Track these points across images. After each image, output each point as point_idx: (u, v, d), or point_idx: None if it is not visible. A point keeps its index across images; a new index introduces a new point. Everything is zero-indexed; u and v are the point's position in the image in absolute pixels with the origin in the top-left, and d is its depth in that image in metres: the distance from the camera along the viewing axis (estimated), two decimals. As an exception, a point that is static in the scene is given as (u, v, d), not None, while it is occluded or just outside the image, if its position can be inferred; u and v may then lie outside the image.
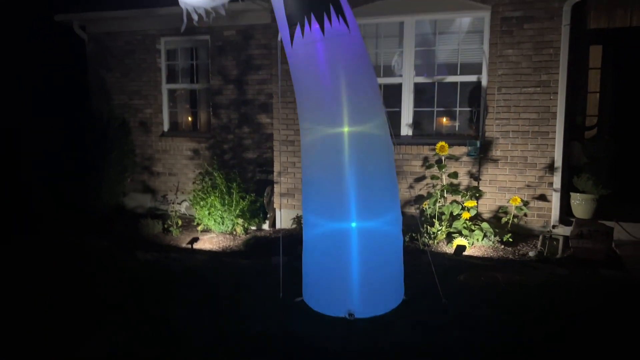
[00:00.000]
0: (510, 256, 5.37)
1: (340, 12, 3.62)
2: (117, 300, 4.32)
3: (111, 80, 8.48)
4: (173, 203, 7.75)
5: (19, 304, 4.28)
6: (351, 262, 3.87)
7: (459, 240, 5.59)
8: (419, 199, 6.37)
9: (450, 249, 5.61)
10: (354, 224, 3.86)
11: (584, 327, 3.50)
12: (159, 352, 3.39)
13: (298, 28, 3.63)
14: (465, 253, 5.43)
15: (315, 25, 3.59)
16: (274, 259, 5.46)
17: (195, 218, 7.31)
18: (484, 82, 6.10)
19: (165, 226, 7.22)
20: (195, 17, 3.95)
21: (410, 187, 6.46)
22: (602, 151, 6.94)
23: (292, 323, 3.79)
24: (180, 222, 7.30)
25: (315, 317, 3.84)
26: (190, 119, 8.52)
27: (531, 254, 5.34)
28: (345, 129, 3.77)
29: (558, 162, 5.88)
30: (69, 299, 4.35)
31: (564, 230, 5.73)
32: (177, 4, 5.36)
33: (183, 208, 7.87)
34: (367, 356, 3.26)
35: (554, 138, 5.86)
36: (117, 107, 8.26)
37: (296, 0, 3.56)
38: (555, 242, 5.40)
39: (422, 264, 4.71)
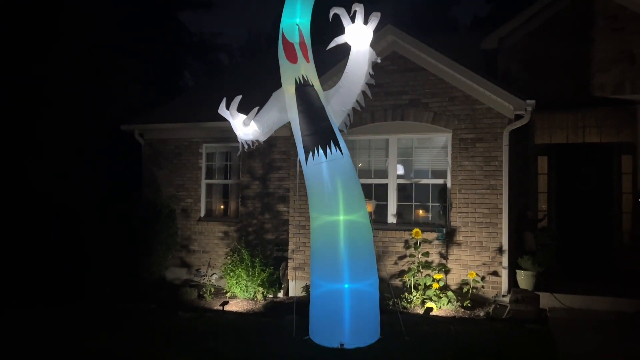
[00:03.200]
0: (466, 316, 7.09)
1: (337, 144, 5.72)
2: (171, 341, 6.09)
3: (161, 176, 10.67)
4: (205, 276, 9.55)
5: (101, 341, 6.09)
6: (344, 311, 5.66)
7: (428, 304, 7.34)
8: (402, 272, 8.18)
9: (422, 310, 7.34)
10: (346, 285, 5.70)
11: (494, 353, 5.23)
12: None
13: (310, 153, 5.72)
14: (433, 314, 7.16)
15: (321, 152, 5.67)
16: (288, 317, 7.18)
17: (224, 288, 9.12)
18: (449, 185, 8.12)
19: (201, 293, 9.01)
20: (246, 147, 6.11)
21: (395, 263, 8.29)
22: (549, 239, 8.83)
23: (302, 350, 5.54)
24: (212, 290, 9.10)
25: (317, 347, 5.59)
26: (222, 207, 10.59)
27: (481, 314, 7.07)
28: (341, 218, 5.72)
29: (505, 246, 7.73)
30: (133, 341, 6.14)
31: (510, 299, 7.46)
32: (216, 119, 7.72)
33: (213, 279, 9.64)
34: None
35: (502, 228, 7.76)
36: (165, 197, 10.36)
37: (310, 138, 5.67)
38: (499, 307, 7.14)
39: (398, 320, 6.45)
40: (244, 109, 6.35)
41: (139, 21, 21.05)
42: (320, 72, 7.31)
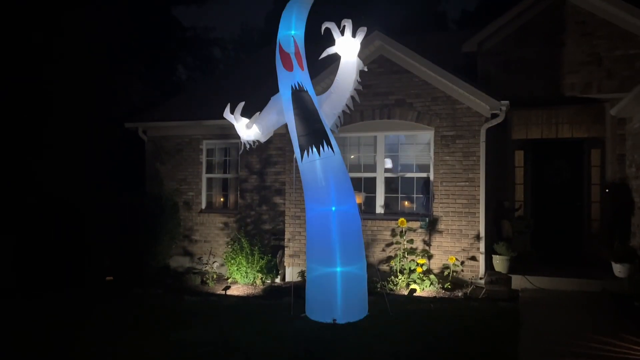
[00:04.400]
0: (446, 296, 7.87)
1: (329, 143, 6.43)
2: (181, 320, 6.83)
3: (164, 171, 11.35)
4: (207, 264, 10.28)
5: (118, 320, 6.83)
6: (336, 291, 6.40)
7: (412, 286, 8.12)
8: (389, 258, 8.94)
9: (407, 292, 8.11)
10: (338, 269, 6.44)
11: (466, 325, 6.02)
12: (218, 345, 5.88)
13: (305, 152, 6.43)
14: (416, 295, 7.93)
15: (315, 150, 6.38)
16: (286, 299, 7.92)
17: (225, 274, 9.85)
18: (432, 178, 8.87)
19: (204, 279, 9.74)
20: (248, 146, 6.81)
21: (383, 250, 9.05)
22: (524, 227, 9.61)
23: (300, 325, 6.29)
24: (214, 277, 9.83)
25: (313, 322, 6.35)
26: (222, 199, 11.30)
27: (460, 294, 7.85)
28: (333, 208, 6.44)
29: (482, 234, 8.50)
30: (148, 320, 6.88)
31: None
32: (216, 117, 8.43)
33: (215, 267, 10.38)
34: (342, 337, 5.76)
35: (479, 217, 8.53)
36: (168, 191, 11.04)
37: (305, 138, 6.37)
38: (476, 288, 7.92)
39: (385, 300, 7.21)
40: (242, 109, 7.09)
41: (135, 18, 21.59)
42: (314, 73, 8.03)
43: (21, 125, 11.44)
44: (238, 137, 7.23)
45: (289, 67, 6.39)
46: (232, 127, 7.31)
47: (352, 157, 9.59)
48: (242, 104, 6.77)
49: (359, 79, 6.39)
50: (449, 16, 32.67)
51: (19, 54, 11.27)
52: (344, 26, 6.25)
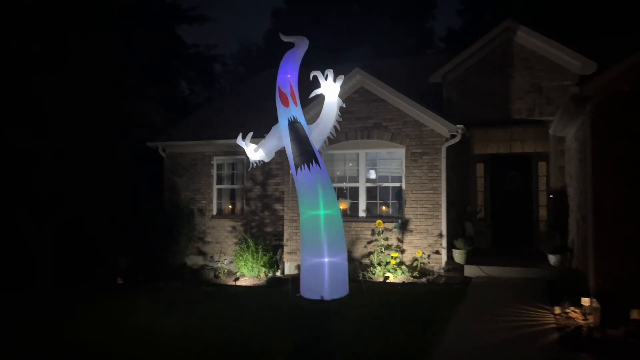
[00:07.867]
0: (413, 282, 9.82)
1: (317, 162, 8.39)
2: (202, 301, 8.76)
3: (180, 182, 13.32)
4: (218, 261, 12.19)
5: (153, 302, 8.77)
6: (324, 275, 8.34)
7: (387, 274, 10.07)
8: (369, 253, 10.88)
9: (382, 279, 10.05)
10: (325, 259, 8.38)
11: (422, 299, 7.96)
12: (235, 312, 7.82)
13: (299, 168, 8.39)
14: (389, 281, 9.88)
15: (306, 166, 8.34)
16: (285, 286, 9.84)
17: (234, 270, 11.79)
18: (404, 187, 10.84)
19: (216, 274, 11.67)
20: (255, 165, 8.80)
21: (365, 247, 10.99)
22: (484, 227, 11.59)
23: (295, 301, 8.23)
24: (225, 271, 11.76)
25: (306, 299, 8.28)
26: (230, 206, 13.26)
27: (424, 280, 9.80)
28: (322, 212, 8.39)
29: (444, 232, 10.45)
30: (176, 301, 8.81)
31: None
32: (225, 137, 10.43)
33: (225, 263, 12.29)
34: (327, 306, 7.71)
35: (441, 218, 10.48)
36: (185, 200, 13.01)
37: (299, 158, 8.33)
38: (438, 275, 9.87)
39: (362, 284, 9.15)
40: (245, 127, 9.12)
41: (145, 39, 23.64)
42: (305, 102, 10.00)
43: (56, 143, 13.33)
44: (244, 153, 9.27)
45: (285, 104, 8.37)
46: (238, 145, 9.31)
47: (339, 170, 11.55)
48: (251, 133, 8.79)
49: (339, 113, 8.38)
50: (435, 33, 34.74)
51: (55, 86, 13.11)
52: (327, 74, 8.25)
